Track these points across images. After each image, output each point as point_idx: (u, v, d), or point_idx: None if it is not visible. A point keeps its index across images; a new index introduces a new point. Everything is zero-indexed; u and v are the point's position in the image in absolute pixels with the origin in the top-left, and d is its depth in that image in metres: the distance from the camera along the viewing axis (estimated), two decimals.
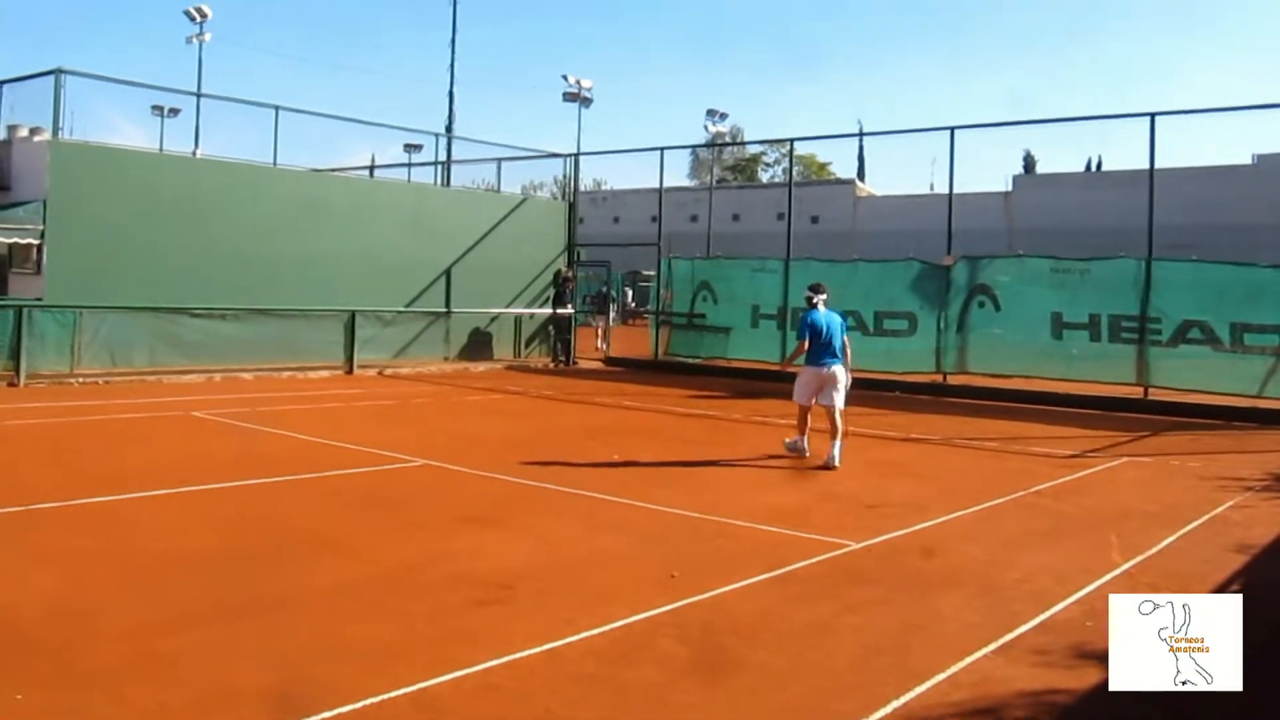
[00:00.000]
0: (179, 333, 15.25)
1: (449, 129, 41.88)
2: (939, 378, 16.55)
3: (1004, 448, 11.33)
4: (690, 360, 19.59)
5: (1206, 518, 7.52)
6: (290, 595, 5.06)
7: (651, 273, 23.09)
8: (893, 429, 12.19)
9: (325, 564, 5.66)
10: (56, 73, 14.47)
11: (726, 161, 75.21)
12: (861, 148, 63.86)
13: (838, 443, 9.27)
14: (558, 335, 20.86)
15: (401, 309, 18.39)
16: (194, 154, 19.81)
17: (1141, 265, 14.86)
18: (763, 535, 6.63)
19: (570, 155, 23.02)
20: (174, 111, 26.53)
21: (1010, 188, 49.25)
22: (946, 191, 17.04)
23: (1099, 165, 55.40)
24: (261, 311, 16.12)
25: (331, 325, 16.92)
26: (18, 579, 5.20)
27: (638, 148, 54.03)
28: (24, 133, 15.49)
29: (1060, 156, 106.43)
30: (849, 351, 9.81)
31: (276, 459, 9.06)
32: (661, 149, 20.95)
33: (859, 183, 58.35)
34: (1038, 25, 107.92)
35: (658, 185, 21.30)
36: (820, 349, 9.57)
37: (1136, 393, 14.83)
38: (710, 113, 57.98)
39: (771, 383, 10.51)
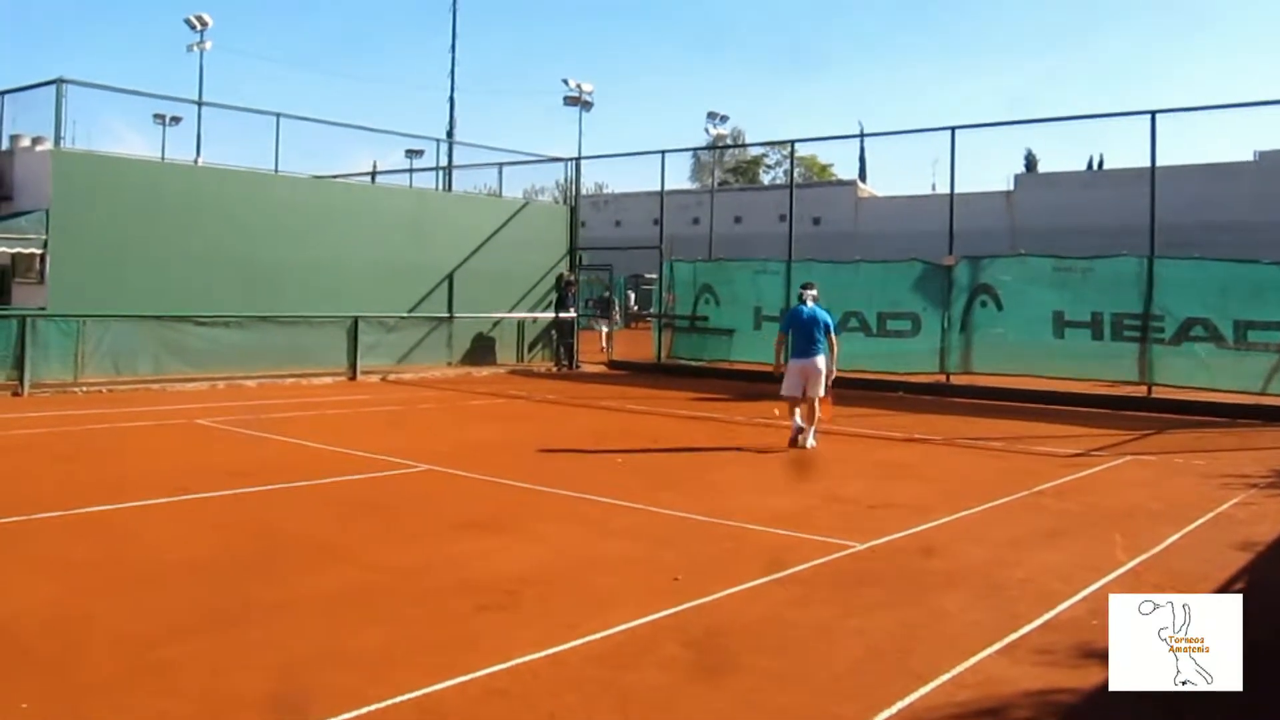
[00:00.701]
0: (182, 340, 15.29)
1: (450, 134, 42.06)
2: (942, 378, 16.54)
3: (1008, 447, 11.32)
4: (694, 363, 19.60)
5: (1211, 515, 7.51)
6: (292, 602, 5.06)
7: (654, 276, 23.14)
8: (896, 430, 12.18)
9: (328, 570, 5.66)
10: (58, 82, 14.55)
11: (728, 164, 75.16)
12: (863, 149, 64.12)
13: (812, 429, 10.42)
14: (560, 339, 20.88)
15: (404, 314, 18.42)
16: (196, 162, 19.84)
17: (1144, 263, 14.85)
18: (766, 537, 6.63)
19: (571, 159, 23.06)
20: (175, 120, 26.55)
21: (1012, 187, 49.14)
22: (948, 192, 17.07)
23: (1100, 164, 55.31)
24: (264, 318, 16.17)
25: (334, 331, 16.95)
26: (19, 589, 5.21)
27: (639, 151, 54.32)
28: (26, 142, 15.53)
29: (1061, 156, 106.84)
30: (835, 348, 10.66)
31: (279, 466, 9.08)
32: (663, 152, 21.07)
33: (860, 184, 58.26)
34: (1038, 25, 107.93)
35: (659, 188, 21.37)
36: (802, 340, 10.48)
37: (1140, 391, 14.83)
38: (711, 115, 58.00)
39: (775, 385, 10.58)
